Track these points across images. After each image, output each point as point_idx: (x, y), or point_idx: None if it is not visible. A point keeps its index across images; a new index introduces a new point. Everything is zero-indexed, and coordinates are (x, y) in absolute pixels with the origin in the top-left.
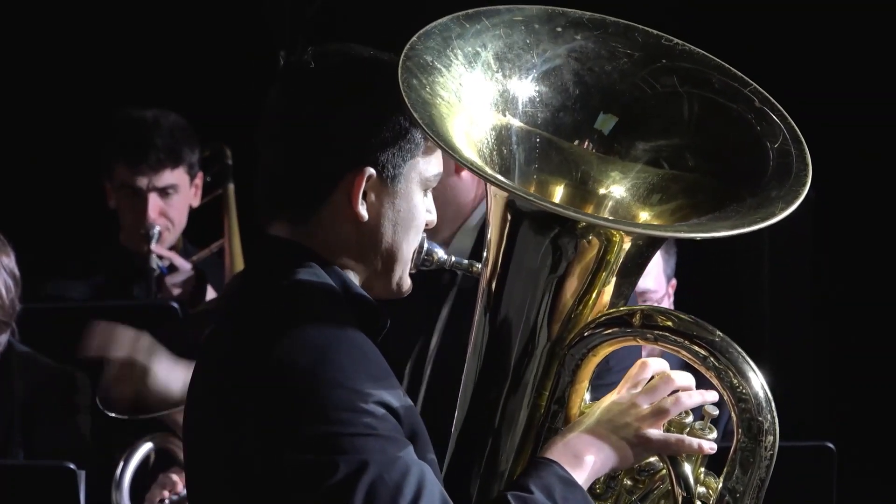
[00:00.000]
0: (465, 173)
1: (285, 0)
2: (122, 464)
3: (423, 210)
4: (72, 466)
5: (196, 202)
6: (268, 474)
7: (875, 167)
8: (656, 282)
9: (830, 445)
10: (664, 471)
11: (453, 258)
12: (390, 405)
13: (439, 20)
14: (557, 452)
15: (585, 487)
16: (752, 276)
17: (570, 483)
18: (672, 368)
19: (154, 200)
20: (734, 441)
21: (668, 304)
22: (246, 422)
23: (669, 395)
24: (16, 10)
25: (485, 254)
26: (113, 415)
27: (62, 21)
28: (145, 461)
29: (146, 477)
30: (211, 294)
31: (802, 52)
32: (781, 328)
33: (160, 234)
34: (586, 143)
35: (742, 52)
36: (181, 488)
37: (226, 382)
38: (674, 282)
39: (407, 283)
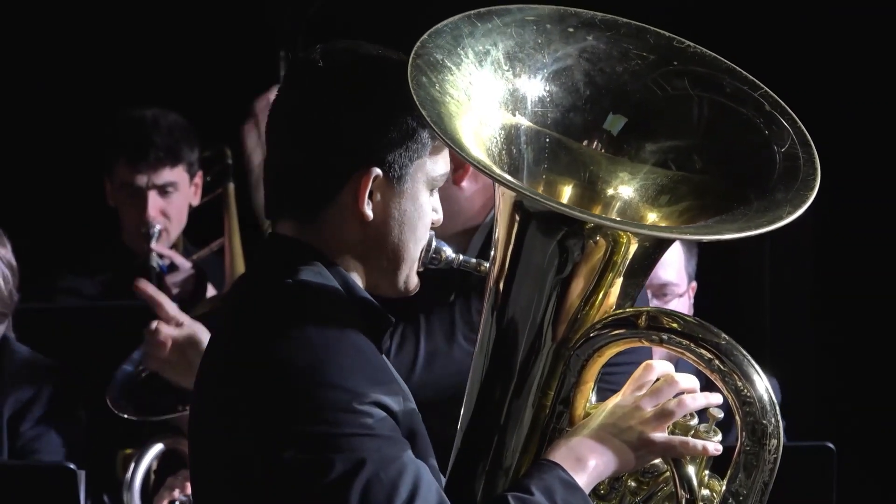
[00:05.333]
0: (464, 183)
1: (285, 0)
2: (132, 465)
3: (430, 209)
4: (72, 466)
5: (196, 201)
6: (265, 474)
7: (876, 168)
8: (678, 275)
9: (830, 445)
10: (668, 472)
11: (461, 257)
12: (388, 407)
13: (450, 19)
14: (561, 456)
15: (588, 491)
16: (753, 276)
17: (572, 486)
18: (677, 370)
19: (154, 198)
20: (738, 444)
21: (687, 304)
22: (244, 420)
23: (674, 397)
24: (16, 10)
25: (492, 252)
26: (125, 416)
27: (63, 21)
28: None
29: (153, 478)
30: (211, 293)
31: (810, 56)
32: (782, 328)
33: (160, 232)
34: (595, 143)
35: (753, 55)
36: (190, 490)
37: (226, 381)
38: (694, 284)
39: (414, 282)
